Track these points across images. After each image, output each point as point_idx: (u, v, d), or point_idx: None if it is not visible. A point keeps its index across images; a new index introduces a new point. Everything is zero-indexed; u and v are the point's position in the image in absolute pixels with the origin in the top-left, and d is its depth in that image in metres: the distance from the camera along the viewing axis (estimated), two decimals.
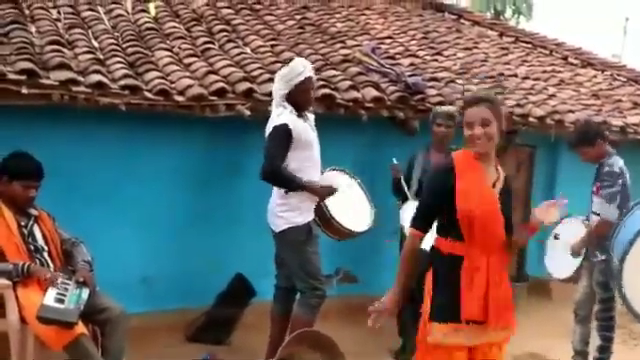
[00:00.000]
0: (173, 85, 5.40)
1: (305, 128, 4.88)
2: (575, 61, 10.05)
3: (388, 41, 8.32)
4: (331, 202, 4.98)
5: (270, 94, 5.18)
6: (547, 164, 8.22)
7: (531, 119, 7.04)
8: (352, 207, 5.23)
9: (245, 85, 5.62)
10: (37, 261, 4.35)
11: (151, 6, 7.13)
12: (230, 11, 7.77)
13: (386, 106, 6.24)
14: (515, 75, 8.35)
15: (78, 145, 5.45)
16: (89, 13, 6.57)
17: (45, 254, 4.45)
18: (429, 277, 3.61)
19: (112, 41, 5.95)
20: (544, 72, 8.95)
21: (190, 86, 5.37)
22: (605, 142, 5.23)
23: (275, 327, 5.15)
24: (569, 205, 5.79)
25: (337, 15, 8.97)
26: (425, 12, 10.57)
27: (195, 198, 6.03)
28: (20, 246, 4.31)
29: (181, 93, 5.34)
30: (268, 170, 4.74)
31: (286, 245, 4.99)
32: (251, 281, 5.94)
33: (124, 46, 5.96)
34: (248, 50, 6.73)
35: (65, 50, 5.47)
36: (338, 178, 5.25)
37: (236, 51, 6.49)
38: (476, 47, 9.22)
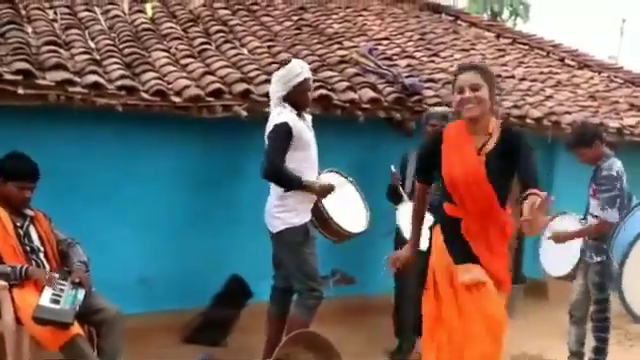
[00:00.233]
0: (170, 86, 5.40)
1: (304, 128, 4.88)
2: (572, 63, 10.06)
3: (385, 42, 8.31)
4: (328, 203, 4.98)
5: (267, 95, 5.18)
6: (544, 165, 8.21)
7: (528, 120, 7.04)
8: (349, 208, 5.25)
9: (242, 86, 5.61)
10: (33, 262, 4.35)
11: (148, 7, 7.12)
12: (227, 12, 7.77)
13: (383, 107, 6.24)
14: (512, 76, 8.36)
15: (75, 145, 5.45)
16: (86, 14, 6.56)
17: (41, 255, 4.44)
18: (437, 233, 3.79)
19: (109, 42, 5.94)
20: (541, 73, 8.95)
21: (187, 87, 5.36)
22: (603, 144, 5.23)
23: (272, 328, 5.14)
24: (566, 206, 5.83)
25: (334, 16, 8.97)
26: (422, 13, 10.57)
27: (192, 199, 6.02)
28: (16, 247, 4.31)
29: (178, 94, 5.34)
30: (270, 169, 4.73)
31: (283, 246, 4.99)
32: (249, 282, 5.93)
33: (121, 47, 5.95)
34: (245, 51, 6.73)
35: (61, 51, 5.46)
36: (334, 180, 5.25)
37: (233, 52, 6.48)
38: (473, 48, 9.22)
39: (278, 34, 7.55)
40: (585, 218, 5.34)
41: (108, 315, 4.33)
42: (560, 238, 5.30)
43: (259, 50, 6.73)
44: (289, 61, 5.01)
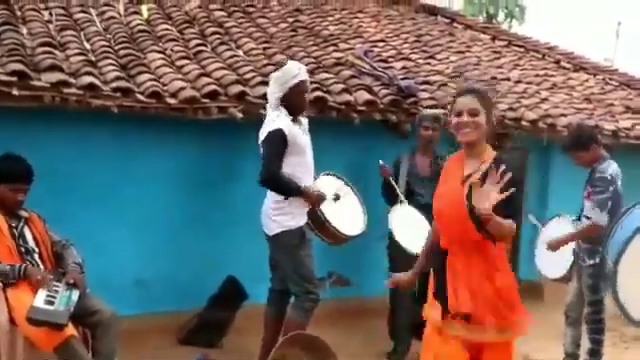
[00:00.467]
0: (165, 87, 5.39)
1: (299, 133, 4.88)
2: (567, 65, 10.07)
3: (381, 44, 8.31)
4: (325, 206, 4.99)
5: (263, 97, 5.18)
6: (539, 167, 8.23)
7: (523, 123, 7.05)
8: (345, 211, 5.25)
9: (237, 88, 5.61)
10: (28, 263, 4.33)
11: (143, 8, 7.11)
12: (223, 14, 7.76)
13: (378, 109, 6.24)
14: (508, 79, 8.36)
15: (71, 147, 5.45)
16: (81, 15, 6.55)
17: (36, 256, 4.43)
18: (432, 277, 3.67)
19: (104, 43, 5.93)
20: (536, 76, 8.96)
21: (182, 88, 5.36)
22: (599, 146, 5.24)
23: (268, 330, 5.14)
24: (561, 208, 5.83)
25: (330, 18, 8.96)
26: (418, 15, 10.57)
27: (189, 200, 6.01)
28: (12, 248, 4.31)
29: (173, 95, 5.33)
30: (266, 176, 4.73)
31: (280, 248, 4.99)
32: (245, 284, 5.93)
33: (116, 48, 5.95)
34: (241, 53, 6.73)
35: (57, 52, 5.46)
36: (331, 182, 5.25)
37: (228, 54, 6.48)
38: (469, 51, 9.23)
39: (274, 36, 7.55)
40: (579, 220, 5.34)
41: (103, 317, 4.32)
42: (554, 246, 5.30)
43: (255, 52, 6.73)
44: (286, 63, 5.01)
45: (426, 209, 4.43)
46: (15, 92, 4.71)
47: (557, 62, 10.07)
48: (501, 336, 3.56)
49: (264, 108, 5.09)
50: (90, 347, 4.30)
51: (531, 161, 8.17)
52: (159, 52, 6.07)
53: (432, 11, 10.98)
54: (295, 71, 4.86)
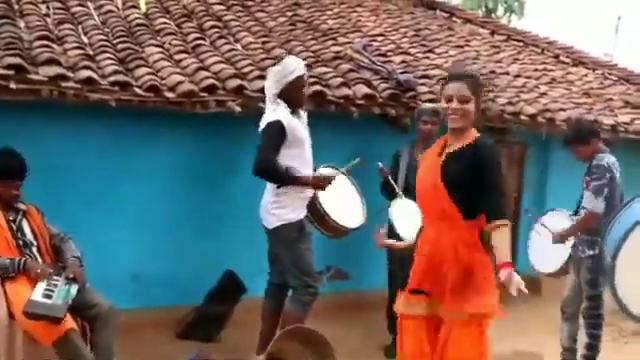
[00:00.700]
0: (163, 81, 5.38)
1: (298, 126, 4.87)
2: (567, 60, 10.06)
3: (380, 38, 8.30)
4: (324, 199, 4.98)
5: (261, 91, 5.17)
6: (538, 162, 8.23)
7: (522, 117, 7.05)
8: (345, 204, 5.24)
9: (236, 82, 5.60)
10: (26, 256, 4.33)
11: (141, 2, 7.09)
12: (221, 7, 7.74)
13: (377, 103, 6.23)
14: (507, 73, 8.36)
15: (69, 141, 5.44)
16: (79, 9, 6.54)
17: (34, 249, 4.43)
18: None
19: (102, 37, 5.92)
20: (535, 70, 8.95)
21: (180, 82, 5.35)
22: (599, 140, 5.23)
23: (266, 323, 5.15)
24: (560, 203, 5.83)
25: (328, 12, 8.96)
26: (417, 10, 10.57)
27: (187, 194, 6.01)
28: (10, 241, 4.30)
29: (171, 89, 5.32)
30: (260, 165, 4.72)
31: (279, 242, 4.99)
32: (243, 278, 5.92)
33: (114, 42, 5.93)
34: (239, 47, 6.71)
35: (54, 45, 5.44)
36: (332, 174, 5.25)
37: (227, 47, 6.47)
38: (467, 45, 9.22)
39: (272, 30, 7.53)
40: (576, 213, 5.33)
41: (102, 310, 4.33)
42: (558, 239, 5.28)
43: (253, 46, 6.72)
44: (284, 57, 5.00)
45: None
46: (12, 86, 4.70)
47: (556, 57, 10.06)
48: (458, 317, 3.58)
49: (262, 102, 5.08)
50: (88, 340, 4.30)
51: (530, 156, 8.17)
52: (157, 46, 6.05)
53: (431, 5, 10.98)
54: (292, 66, 4.85)
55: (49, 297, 4.03)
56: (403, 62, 7.50)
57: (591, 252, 5.09)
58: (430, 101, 6.25)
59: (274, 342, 4.55)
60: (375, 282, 6.15)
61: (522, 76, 8.45)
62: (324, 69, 6.44)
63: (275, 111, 4.82)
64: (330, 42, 7.53)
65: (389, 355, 5.77)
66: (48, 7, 6.40)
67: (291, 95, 4.86)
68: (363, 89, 6.18)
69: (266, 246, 5.16)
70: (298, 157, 4.87)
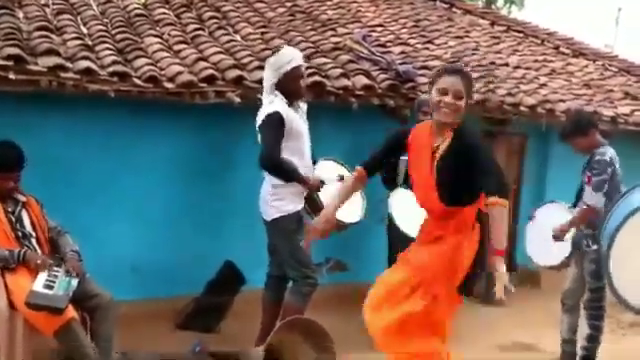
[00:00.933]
0: (163, 72, 5.37)
1: (296, 118, 4.87)
2: (567, 51, 10.04)
3: (379, 29, 8.28)
4: (323, 193, 4.98)
5: (260, 81, 5.17)
6: (538, 153, 8.22)
7: (522, 108, 7.04)
8: None
9: (235, 72, 5.59)
10: (25, 247, 4.33)
11: None
12: None
13: (377, 94, 6.22)
14: (506, 64, 8.33)
15: (67, 132, 5.43)
16: None
17: (33, 240, 4.43)
18: None
19: (101, 27, 5.91)
20: (535, 61, 8.93)
21: (180, 73, 5.34)
22: (597, 132, 5.22)
23: (266, 315, 5.15)
24: (559, 194, 5.82)
25: (328, 2, 8.92)
26: (416, 0, 10.52)
27: (186, 185, 6.01)
28: (8, 233, 4.30)
29: (171, 80, 5.31)
30: (268, 160, 4.73)
31: (277, 233, 4.99)
32: (243, 269, 5.92)
33: (113, 32, 5.92)
34: (238, 37, 6.70)
35: (53, 36, 5.43)
36: (331, 168, 5.24)
37: (226, 38, 6.46)
38: (467, 36, 9.19)
39: (271, 20, 7.51)
40: (575, 206, 5.32)
41: (102, 301, 4.34)
42: (558, 235, 5.27)
43: (252, 36, 6.71)
44: (281, 48, 4.99)
45: None
46: (12, 76, 4.69)
47: (556, 48, 10.04)
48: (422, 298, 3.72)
49: (262, 93, 5.07)
50: (88, 331, 4.30)
51: (529, 147, 8.16)
52: (156, 36, 6.04)
53: None
54: (289, 57, 4.84)
55: (50, 288, 4.04)
56: (402, 53, 7.48)
57: (595, 247, 5.07)
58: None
59: (274, 333, 4.56)
60: (374, 274, 6.11)
61: (522, 67, 8.43)
62: (323, 60, 6.43)
63: (272, 102, 4.81)
64: (329, 33, 7.51)
65: None
66: None
67: (288, 86, 4.84)
68: (362, 80, 6.17)
69: (265, 237, 5.16)
70: (295, 150, 4.86)
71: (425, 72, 6.92)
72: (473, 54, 8.29)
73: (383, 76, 6.40)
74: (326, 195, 5.00)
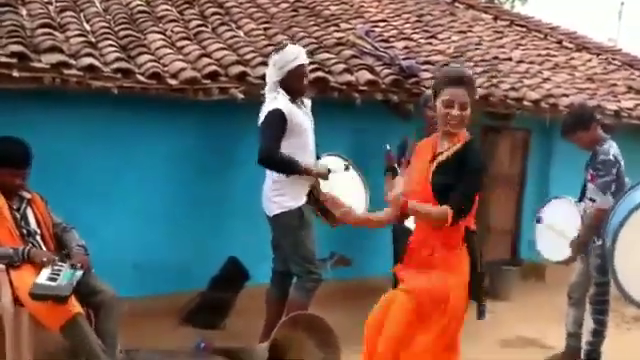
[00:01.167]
0: (166, 68, 5.37)
1: (299, 114, 4.87)
2: (570, 45, 10.03)
3: (382, 24, 8.28)
4: (327, 188, 4.97)
5: (263, 77, 5.16)
6: (541, 148, 8.22)
7: (525, 103, 7.03)
8: (348, 192, 5.21)
9: (238, 68, 5.59)
10: (30, 245, 4.33)
11: None
12: None
13: (380, 89, 6.21)
14: (509, 59, 8.33)
15: (70, 128, 5.42)
16: None
17: (38, 237, 4.44)
18: None
19: (104, 24, 5.91)
20: (539, 56, 8.92)
21: (183, 69, 5.34)
22: (598, 126, 5.21)
23: (271, 310, 5.16)
24: (563, 189, 5.82)
25: None
26: None
27: (189, 182, 6.01)
28: (13, 231, 4.30)
29: (174, 76, 5.31)
30: (265, 154, 4.72)
31: (280, 229, 5.00)
32: (247, 265, 5.93)
33: (116, 29, 5.92)
34: (241, 33, 6.69)
35: (56, 33, 5.43)
36: (335, 162, 5.24)
37: (229, 34, 6.45)
38: (470, 30, 9.19)
39: (274, 16, 7.50)
40: (581, 201, 5.32)
41: (106, 297, 4.33)
42: (578, 249, 5.26)
43: (255, 32, 6.70)
44: (285, 45, 4.98)
45: None
46: (15, 74, 4.68)
47: (559, 42, 10.03)
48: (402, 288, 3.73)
49: (265, 89, 5.07)
50: (93, 328, 4.30)
51: (533, 142, 8.16)
52: (159, 33, 6.04)
53: None
54: (292, 55, 4.84)
55: (54, 280, 4.04)
56: (406, 48, 7.47)
57: (600, 242, 5.06)
58: None
59: (278, 329, 4.57)
60: (378, 268, 6.15)
61: (525, 61, 8.42)
62: (326, 55, 6.42)
63: (275, 99, 4.82)
64: (332, 28, 7.50)
65: None
66: None
67: (292, 84, 4.85)
68: (366, 75, 6.17)
69: (269, 233, 5.16)
70: (299, 146, 4.87)
71: (428, 67, 6.92)
72: (476, 49, 8.28)
73: (386, 71, 6.40)
74: (332, 190, 5.01)
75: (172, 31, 6.19)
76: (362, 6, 8.94)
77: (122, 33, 5.81)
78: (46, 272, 4.10)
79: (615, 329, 6.25)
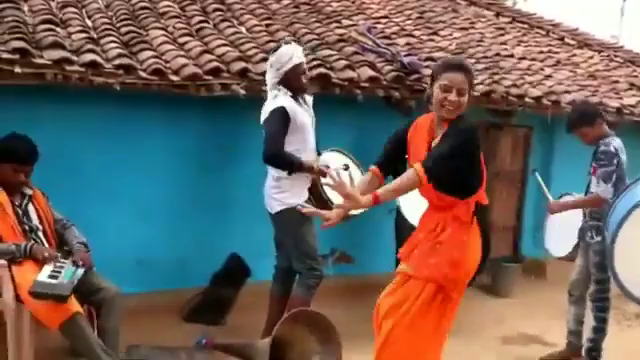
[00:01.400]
0: (168, 64, 5.36)
1: (300, 111, 4.88)
2: (572, 42, 10.01)
3: (384, 21, 8.26)
4: (328, 184, 4.97)
5: (265, 74, 5.16)
6: (543, 145, 8.22)
7: (527, 99, 7.02)
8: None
9: (240, 65, 5.58)
10: (32, 241, 4.34)
11: None
12: None
13: (382, 86, 6.21)
14: (511, 55, 8.32)
15: (72, 124, 5.43)
16: None
17: (40, 233, 4.45)
18: None
19: (106, 20, 5.90)
20: (540, 52, 8.91)
21: (185, 65, 5.34)
22: (603, 122, 5.21)
23: (274, 307, 5.17)
24: (565, 186, 5.82)
25: None
26: None
27: (191, 178, 6.01)
28: (15, 227, 4.31)
29: (176, 72, 5.31)
30: (270, 153, 4.74)
31: (282, 226, 5.02)
32: (249, 261, 5.93)
33: (118, 25, 5.91)
34: (243, 29, 6.68)
35: (58, 29, 5.42)
36: (337, 159, 5.24)
37: (231, 30, 6.44)
38: (472, 27, 9.17)
39: (276, 12, 7.49)
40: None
41: (108, 294, 4.34)
42: (555, 209, 5.30)
43: (257, 28, 6.69)
44: (278, 47, 4.99)
45: None
46: (17, 70, 4.68)
47: (561, 39, 10.01)
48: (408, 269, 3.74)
49: (266, 85, 5.07)
50: (95, 326, 4.31)
51: (535, 139, 8.15)
52: (161, 29, 6.03)
53: None
54: (287, 56, 4.86)
55: (55, 278, 4.04)
56: (407, 44, 7.46)
57: (599, 238, 5.07)
58: None
59: (279, 325, 4.57)
60: (380, 265, 6.15)
61: (527, 58, 8.41)
62: (328, 52, 6.41)
63: (276, 97, 4.84)
64: (334, 24, 7.49)
65: None
66: None
67: (291, 84, 4.88)
68: (367, 71, 6.16)
69: (270, 230, 5.17)
70: (300, 143, 4.88)
71: (430, 64, 6.90)
72: (478, 45, 8.27)
73: (388, 68, 6.39)
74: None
75: (174, 27, 6.18)
76: (364, 3, 8.92)
77: (124, 29, 5.80)
78: (48, 269, 4.10)
79: (616, 326, 6.26)
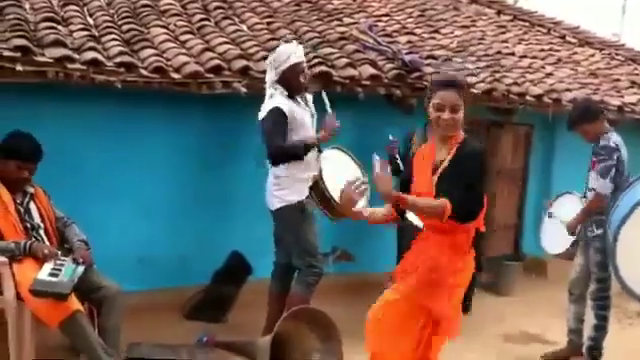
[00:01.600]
0: (169, 62, 5.37)
1: (298, 110, 4.89)
2: (573, 40, 10.00)
3: (385, 19, 8.26)
4: (329, 181, 4.97)
5: (266, 72, 5.16)
6: (544, 142, 8.21)
7: (528, 97, 7.02)
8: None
9: (241, 62, 5.59)
10: (33, 239, 4.34)
11: None
12: None
13: (383, 84, 6.21)
14: (512, 53, 8.32)
15: (74, 122, 5.43)
16: None
17: (41, 231, 4.44)
18: None
19: (107, 18, 5.90)
20: (542, 50, 8.91)
21: (186, 63, 5.34)
22: (604, 119, 5.22)
23: (273, 304, 5.18)
24: (566, 184, 5.82)
25: None
26: None
27: (192, 176, 6.02)
28: (16, 225, 4.30)
29: (177, 70, 5.31)
30: (275, 152, 4.77)
31: (282, 223, 5.03)
32: (250, 259, 5.94)
33: (119, 23, 5.92)
34: (244, 27, 6.69)
35: (60, 27, 5.42)
36: (336, 156, 5.24)
37: (232, 28, 6.45)
38: (473, 25, 9.17)
39: (277, 10, 7.49)
40: (585, 196, 5.32)
41: (109, 293, 4.33)
42: (571, 228, 5.28)
43: (258, 26, 6.69)
44: (278, 46, 5.00)
45: None
46: (19, 68, 4.69)
47: (562, 37, 10.01)
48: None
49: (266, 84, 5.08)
50: (96, 324, 4.31)
51: (536, 137, 8.15)
52: (162, 27, 6.03)
53: None
54: (285, 55, 4.88)
55: (55, 276, 4.04)
56: (409, 42, 7.47)
57: (600, 231, 5.05)
58: None
59: (280, 323, 4.57)
60: (380, 264, 6.15)
61: (528, 56, 8.41)
62: (330, 50, 6.41)
63: (272, 97, 4.87)
64: (335, 22, 7.49)
65: None
66: None
67: (289, 83, 4.90)
68: (369, 70, 6.16)
69: (272, 227, 5.18)
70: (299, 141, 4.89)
71: (431, 62, 6.91)
72: (479, 44, 8.27)
73: (389, 66, 6.39)
74: (334, 184, 5.01)
75: (175, 25, 6.19)
76: (365, 0, 8.92)
77: (125, 27, 5.81)
78: (48, 267, 4.10)
79: (617, 324, 6.26)
